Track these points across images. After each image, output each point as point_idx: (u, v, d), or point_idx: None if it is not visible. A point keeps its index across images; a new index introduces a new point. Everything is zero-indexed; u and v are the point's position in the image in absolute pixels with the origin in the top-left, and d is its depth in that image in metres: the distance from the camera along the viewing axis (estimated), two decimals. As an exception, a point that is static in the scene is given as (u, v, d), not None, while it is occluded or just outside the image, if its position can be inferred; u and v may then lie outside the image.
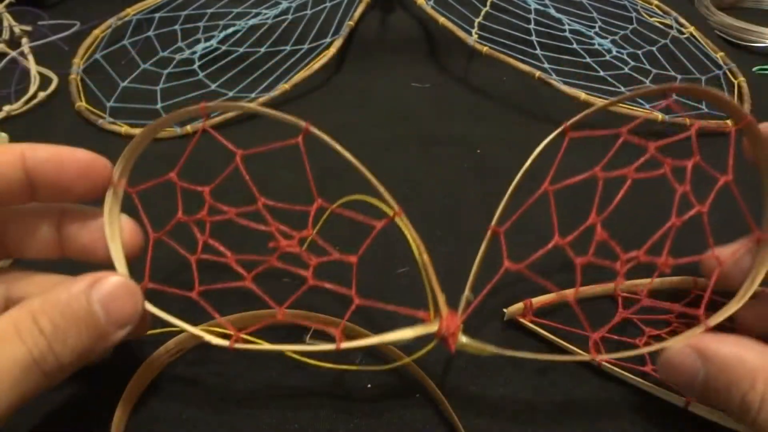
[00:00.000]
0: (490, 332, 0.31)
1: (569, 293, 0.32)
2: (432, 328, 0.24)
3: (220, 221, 0.26)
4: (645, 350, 0.25)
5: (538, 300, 0.31)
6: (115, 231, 0.25)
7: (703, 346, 0.22)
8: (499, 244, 0.25)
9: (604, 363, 0.29)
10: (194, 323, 0.25)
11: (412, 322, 0.25)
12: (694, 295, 0.32)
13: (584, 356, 0.25)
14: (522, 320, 0.31)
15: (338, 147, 0.24)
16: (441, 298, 0.24)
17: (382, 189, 0.24)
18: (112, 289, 0.22)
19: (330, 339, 0.24)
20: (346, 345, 0.24)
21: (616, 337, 0.30)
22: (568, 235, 0.24)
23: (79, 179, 0.24)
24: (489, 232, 0.25)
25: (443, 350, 0.30)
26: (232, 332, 0.24)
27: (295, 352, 0.25)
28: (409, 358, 0.27)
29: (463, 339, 0.24)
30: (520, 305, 0.31)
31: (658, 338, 0.30)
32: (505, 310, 0.31)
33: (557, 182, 0.24)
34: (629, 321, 0.31)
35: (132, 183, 0.26)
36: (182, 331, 0.28)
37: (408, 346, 0.26)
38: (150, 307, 0.24)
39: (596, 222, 0.24)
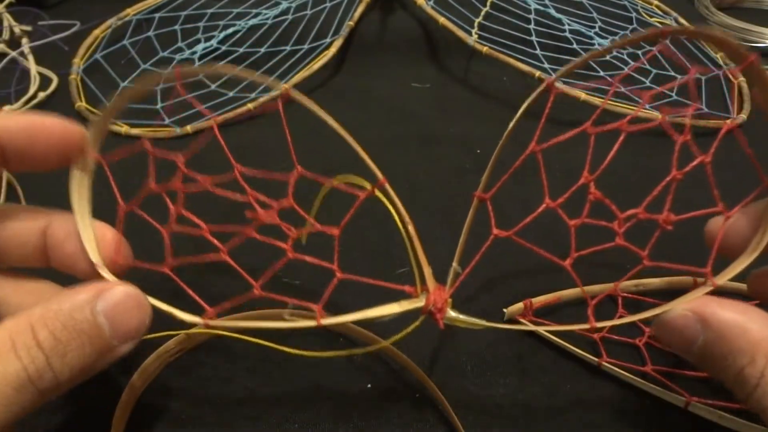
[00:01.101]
0: (490, 332, 0.31)
1: (569, 293, 0.32)
2: (419, 302, 0.23)
3: (203, 205, 0.24)
4: (641, 316, 0.23)
5: (538, 300, 0.31)
6: (84, 209, 0.24)
7: (705, 312, 0.20)
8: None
9: (604, 363, 0.29)
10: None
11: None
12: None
13: (583, 326, 0.23)
14: (522, 320, 0.31)
15: (320, 112, 0.22)
16: (427, 271, 0.23)
17: (367, 159, 0.23)
18: (119, 300, 0.21)
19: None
20: (326, 321, 0.22)
21: (615, 337, 0.30)
22: (567, 219, 0.23)
23: (52, 148, 0.23)
24: (475, 200, 0.23)
25: (443, 349, 0.31)
26: (206, 311, 0.22)
27: (273, 336, 0.23)
28: (397, 336, 0.24)
29: (452, 313, 0.23)
30: (520, 305, 0.31)
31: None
32: (505, 310, 0.31)
33: (552, 166, 0.23)
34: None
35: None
36: (182, 332, 0.28)
37: (403, 342, 0.25)
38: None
39: (589, 181, 0.23)
